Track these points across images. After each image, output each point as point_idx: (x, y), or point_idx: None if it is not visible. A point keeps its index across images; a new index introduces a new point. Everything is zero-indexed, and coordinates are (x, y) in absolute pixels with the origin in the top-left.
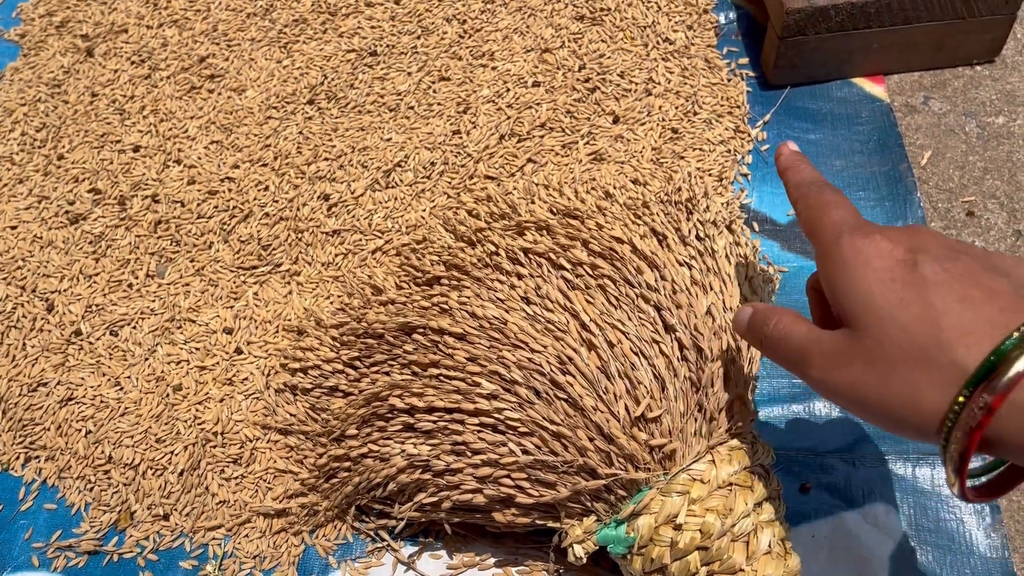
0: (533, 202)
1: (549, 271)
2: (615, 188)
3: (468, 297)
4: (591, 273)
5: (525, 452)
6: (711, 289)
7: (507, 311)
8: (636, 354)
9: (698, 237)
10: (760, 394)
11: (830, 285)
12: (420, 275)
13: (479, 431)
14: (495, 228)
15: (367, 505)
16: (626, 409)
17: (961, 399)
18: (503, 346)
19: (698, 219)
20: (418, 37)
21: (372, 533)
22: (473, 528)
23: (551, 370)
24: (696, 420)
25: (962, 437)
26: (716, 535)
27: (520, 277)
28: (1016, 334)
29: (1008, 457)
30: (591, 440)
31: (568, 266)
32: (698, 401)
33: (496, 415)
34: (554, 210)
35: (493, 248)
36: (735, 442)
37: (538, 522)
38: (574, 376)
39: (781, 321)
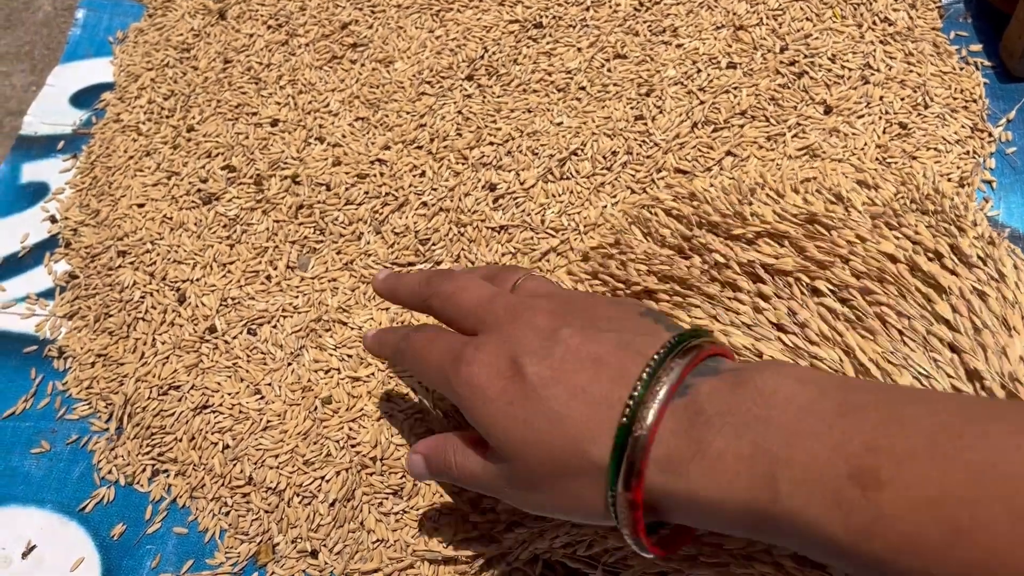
0: (750, 203)
1: (802, 294)
2: (848, 190)
3: (701, 319)
4: (863, 300)
5: None
6: (1019, 331)
7: (757, 339)
8: None
9: (980, 258)
10: None
11: (470, 422)
12: (622, 286)
13: None
14: (707, 235)
15: (558, 561)
16: None
17: (611, 500)
18: None
19: (974, 235)
20: (587, 9)
21: None
22: None
23: None
24: None
25: (630, 532)
26: None
27: (766, 299)
28: (625, 419)
29: (682, 523)
30: None
31: (826, 290)
32: None
33: None
34: (780, 215)
35: (722, 259)
36: None
37: None
38: None
39: (456, 460)
